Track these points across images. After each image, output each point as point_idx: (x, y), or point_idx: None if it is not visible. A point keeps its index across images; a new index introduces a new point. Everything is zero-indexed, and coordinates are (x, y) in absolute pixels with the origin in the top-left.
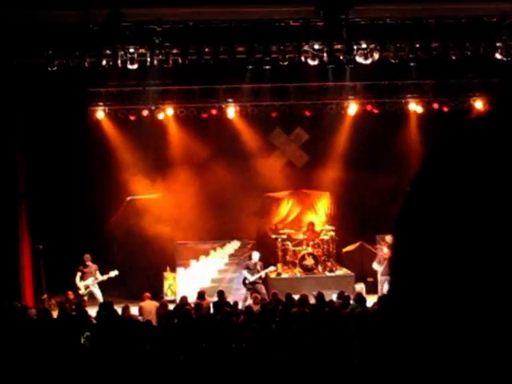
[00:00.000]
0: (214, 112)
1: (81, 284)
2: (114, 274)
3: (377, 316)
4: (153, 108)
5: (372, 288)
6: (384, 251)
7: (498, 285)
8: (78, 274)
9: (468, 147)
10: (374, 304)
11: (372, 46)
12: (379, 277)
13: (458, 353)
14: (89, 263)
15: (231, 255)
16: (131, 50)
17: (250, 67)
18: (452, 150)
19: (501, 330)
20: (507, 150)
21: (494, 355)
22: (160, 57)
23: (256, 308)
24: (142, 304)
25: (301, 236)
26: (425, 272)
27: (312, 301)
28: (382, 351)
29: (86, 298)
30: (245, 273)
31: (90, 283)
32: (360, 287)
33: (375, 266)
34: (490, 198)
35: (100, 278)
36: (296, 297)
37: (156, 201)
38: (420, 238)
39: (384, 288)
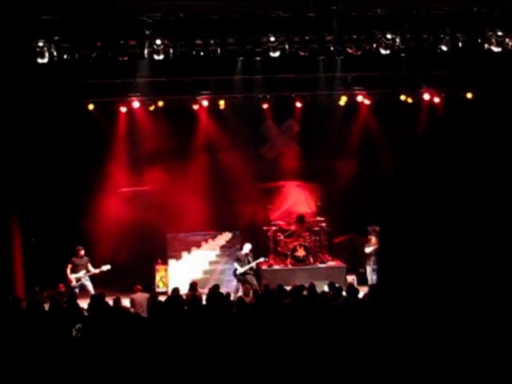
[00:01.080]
0: (204, 104)
1: (72, 276)
2: (106, 268)
3: (367, 306)
4: (143, 99)
5: (363, 279)
6: (372, 241)
7: (481, 272)
8: (69, 266)
9: (449, 141)
10: (365, 294)
11: (363, 37)
12: (368, 267)
13: (445, 338)
14: (81, 255)
15: (222, 247)
16: (121, 42)
17: (241, 59)
18: (434, 142)
19: (485, 317)
20: (486, 143)
21: (481, 341)
22: (150, 49)
23: (247, 299)
24: (133, 296)
25: (292, 227)
26: (410, 261)
27: (304, 292)
28: (374, 340)
29: (77, 290)
30: (235, 264)
31: (81, 276)
32: (351, 278)
33: (367, 250)
34: (471, 190)
35: (92, 270)
36: (288, 288)
37: (147, 192)
38: (404, 229)
39: (369, 277)
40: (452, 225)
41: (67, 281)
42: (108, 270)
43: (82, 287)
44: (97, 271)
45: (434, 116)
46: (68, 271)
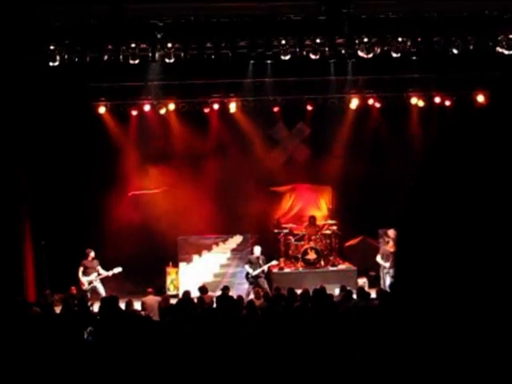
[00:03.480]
0: (215, 107)
1: (84, 279)
2: (117, 270)
3: (380, 310)
4: (154, 103)
5: (374, 282)
6: (389, 245)
7: (499, 280)
8: (81, 269)
9: (469, 142)
10: (375, 298)
11: (374, 40)
12: (381, 271)
13: (459, 345)
14: (91, 257)
15: (233, 250)
16: (133, 45)
17: (252, 62)
18: (453, 144)
19: (502, 326)
20: (507, 145)
21: (496, 352)
22: (161, 52)
23: (258, 302)
24: (144, 299)
25: (303, 230)
26: (428, 266)
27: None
28: (386, 345)
29: (89, 293)
30: (247, 267)
31: (93, 279)
32: (362, 281)
33: (379, 259)
34: (491, 193)
35: (103, 273)
36: (298, 291)
37: (158, 195)
38: (423, 233)
39: (386, 282)
40: (471, 229)
41: (79, 283)
42: (119, 273)
43: (94, 290)
44: (109, 273)
45: (446, 119)
46: (80, 273)
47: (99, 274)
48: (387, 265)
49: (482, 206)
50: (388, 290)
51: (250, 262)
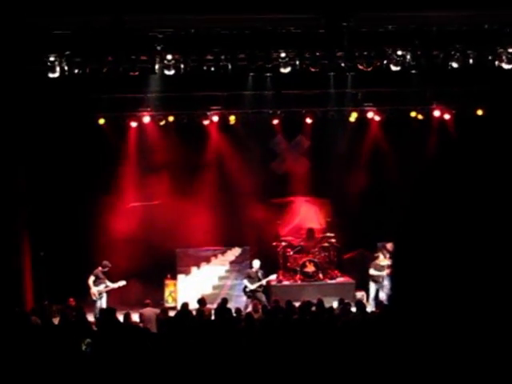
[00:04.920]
0: (215, 119)
1: (95, 289)
2: (122, 283)
3: (379, 321)
4: (154, 115)
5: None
6: (380, 258)
7: (497, 289)
8: (92, 278)
9: (466, 157)
10: (373, 311)
11: (373, 53)
12: (371, 283)
13: (459, 352)
14: (104, 269)
15: (232, 262)
16: (132, 57)
17: (252, 74)
18: (451, 159)
19: (499, 335)
20: (504, 160)
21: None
22: (161, 64)
23: (256, 316)
24: (142, 311)
25: (302, 243)
26: (425, 277)
27: (313, 308)
28: (385, 355)
29: (98, 303)
30: (245, 282)
31: (102, 289)
32: (361, 294)
33: (372, 271)
34: (487, 207)
35: (111, 285)
36: (297, 304)
37: (157, 207)
38: (420, 244)
39: (372, 293)
40: (468, 241)
41: (90, 292)
42: (124, 286)
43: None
44: (115, 286)
45: (445, 133)
46: (91, 283)
47: (107, 286)
48: (383, 274)
49: (478, 219)
50: (385, 301)
51: (249, 276)
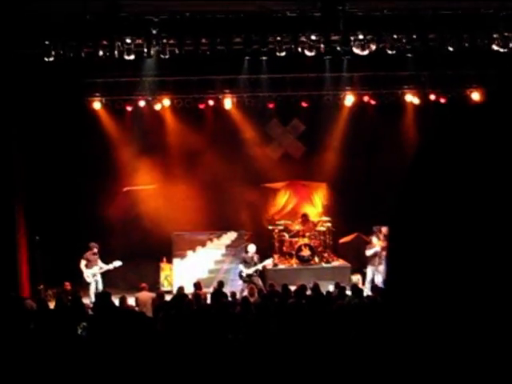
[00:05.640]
0: (210, 103)
1: (88, 272)
2: (118, 264)
3: (376, 306)
4: (150, 98)
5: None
6: (373, 241)
7: (495, 276)
8: (83, 262)
9: (462, 138)
10: (368, 295)
11: (369, 37)
12: (368, 267)
13: (455, 341)
14: (93, 252)
15: (228, 246)
16: (128, 41)
17: (247, 58)
18: (446, 140)
19: (498, 321)
20: (502, 141)
21: (493, 349)
22: (157, 48)
23: (252, 299)
24: (138, 295)
25: (297, 227)
26: (421, 261)
27: (308, 292)
28: (381, 341)
29: (92, 286)
30: (241, 266)
31: (96, 272)
32: (356, 278)
33: (367, 252)
34: (484, 190)
35: (105, 267)
36: (292, 288)
37: (152, 191)
38: (415, 228)
39: (368, 276)
40: (463, 226)
41: (83, 275)
42: (120, 266)
43: (88, 284)
44: (110, 267)
45: (440, 116)
46: (82, 266)
47: (101, 268)
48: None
49: (474, 203)
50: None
51: (245, 261)
